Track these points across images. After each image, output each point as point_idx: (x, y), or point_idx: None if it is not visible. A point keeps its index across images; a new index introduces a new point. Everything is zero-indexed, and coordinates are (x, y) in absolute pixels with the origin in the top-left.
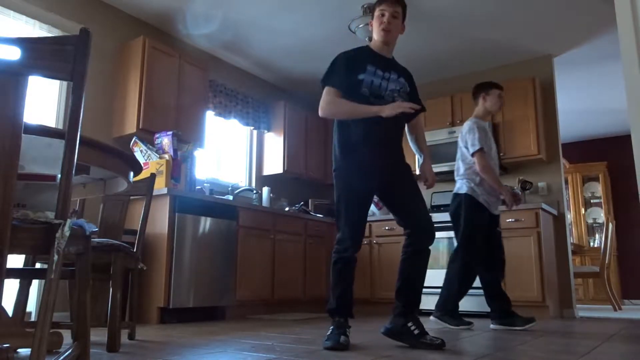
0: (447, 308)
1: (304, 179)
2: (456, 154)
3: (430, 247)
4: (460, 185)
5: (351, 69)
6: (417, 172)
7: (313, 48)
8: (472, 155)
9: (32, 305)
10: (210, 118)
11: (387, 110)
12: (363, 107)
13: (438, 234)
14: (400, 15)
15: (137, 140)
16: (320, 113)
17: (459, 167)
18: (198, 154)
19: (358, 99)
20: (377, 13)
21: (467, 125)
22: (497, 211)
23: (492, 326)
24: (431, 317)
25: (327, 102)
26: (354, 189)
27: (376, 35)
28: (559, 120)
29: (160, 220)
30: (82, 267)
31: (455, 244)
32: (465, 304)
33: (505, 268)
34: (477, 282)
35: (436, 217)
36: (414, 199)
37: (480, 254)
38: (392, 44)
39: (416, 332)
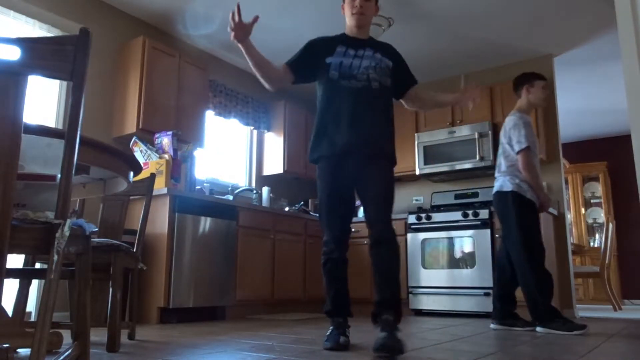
0: (538, 312)
1: (304, 179)
2: (501, 150)
3: (390, 239)
4: (503, 183)
5: (317, 53)
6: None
7: None
8: (518, 152)
9: (32, 305)
10: (210, 118)
11: None
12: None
13: (437, 234)
14: None
15: (137, 140)
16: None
17: (501, 163)
18: (198, 154)
19: (327, 83)
20: None
21: (511, 120)
22: (540, 211)
23: (492, 326)
24: (537, 329)
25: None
26: (329, 190)
27: (349, 20)
28: (559, 120)
29: (160, 220)
30: (82, 267)
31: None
32: (465, 304)
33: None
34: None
35: (436, 217)
36: (372, 188)
37: (541, 251)
38: (367, 27)
39: (378, 336)
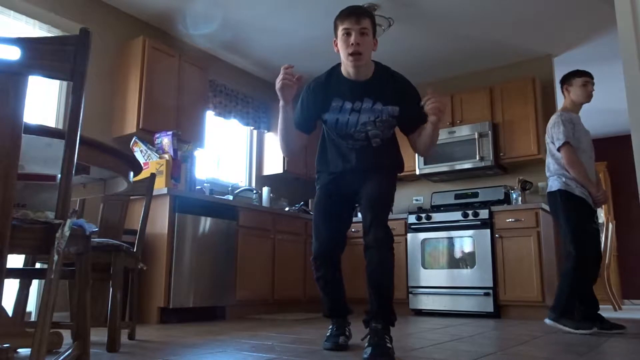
0: (566, 309)
1: (304, 179)
2: (547, 150)
3: (381, 244)
4: (552, 183)
5: (315, 108)
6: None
7: (313, 48)
8: (559, 149)
9: (32, 305)
10: (210, 118)
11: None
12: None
13: (437, 234)
14: (370, 31)
15: (137, 140)
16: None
17: (549, 163)
18: (198, 154)
19: (326, 140)
20: (340, 33)
21: (552, 119)
22: (595, 206)
23: (547, 321)
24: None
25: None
26: (323, 203)
27: (344, 60)
28: None
29: (160, 220)
30: (82, 267)
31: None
32: (465, 304)
33: (600, 266)
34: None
35: (436, 217)
36: (368, 192)
37: (593, 247)
38: (367, 65)
39: (365, 347)
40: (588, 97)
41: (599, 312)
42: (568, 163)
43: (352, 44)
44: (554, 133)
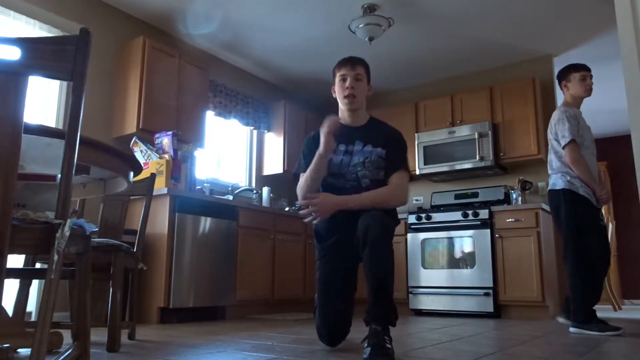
0: (587, 312)
1: None
2: (550, 147)
3: (376, 238)
4: (555, 181)
5: (315, 151)
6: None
7: (313, 48)
8: (564, 147)
9: (32, 305)
10: (210, 118)
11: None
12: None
13: (437, 234)
14: (365, 77)
15: (137, 140)
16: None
17: (552, 160)
18: (198, 154)
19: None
20: (337, 79)
21: (555, 115)
22: (599, 204)
23: (571, 329)
24: (570, 329)
25: (299, 187)
26: (325, 272)
27: (341, 104)
28: None
29: (160, 220)
30: (82, 267)
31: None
32: (465, 304)
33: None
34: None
35: (436, 217)
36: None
37: (595, 248)
38: (361, 109)
39: (365, 347)
40: (588, 91)
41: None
42: (573, 162)
43: (348, 87)
44: (559, 130)
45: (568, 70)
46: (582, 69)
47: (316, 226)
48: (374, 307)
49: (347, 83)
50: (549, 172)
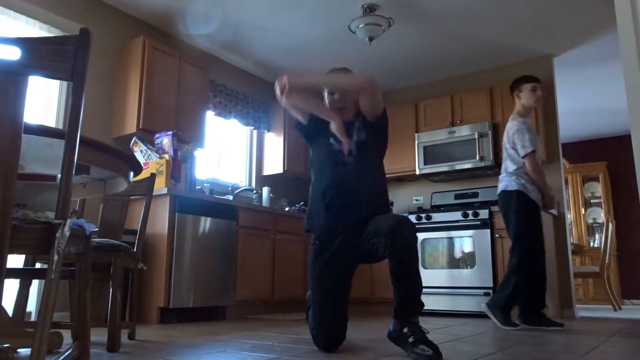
0: (503, 306)
1: (304, 179)
2: (505, 154)
3: (408, 244)
4: (509, 183)
5: (317, 124)
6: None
7: (313, 48)
8: (524, 156)
9: (32, 305)
10: (210, 118)
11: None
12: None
13: (437, 234)
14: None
15: (137, 140)
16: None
17: (507, 166)
18: (198, 154)
19: (315, 168)
20: (326, 93)
21: (513, 125)
22: (545, 208)
23: (482, 305)
24: (482, 305)
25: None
26: (321, 278)
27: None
28: (559, 120)
29: (160, 220)
30: (82, 267)
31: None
32: (465, 304)
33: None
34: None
35: (436, 217)
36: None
37: (536, 249)
38: (351, 112)
39: (410, 339)
40: (537, 101)
41: (542, 310)
42: (533, 170)
43: (334, 100)
44: (518, 140)
45: (521, 81)
46: (533, 80)
47: (314, 229)
48: (407, 303)
49: (336, 96)
50: (502, 175)
